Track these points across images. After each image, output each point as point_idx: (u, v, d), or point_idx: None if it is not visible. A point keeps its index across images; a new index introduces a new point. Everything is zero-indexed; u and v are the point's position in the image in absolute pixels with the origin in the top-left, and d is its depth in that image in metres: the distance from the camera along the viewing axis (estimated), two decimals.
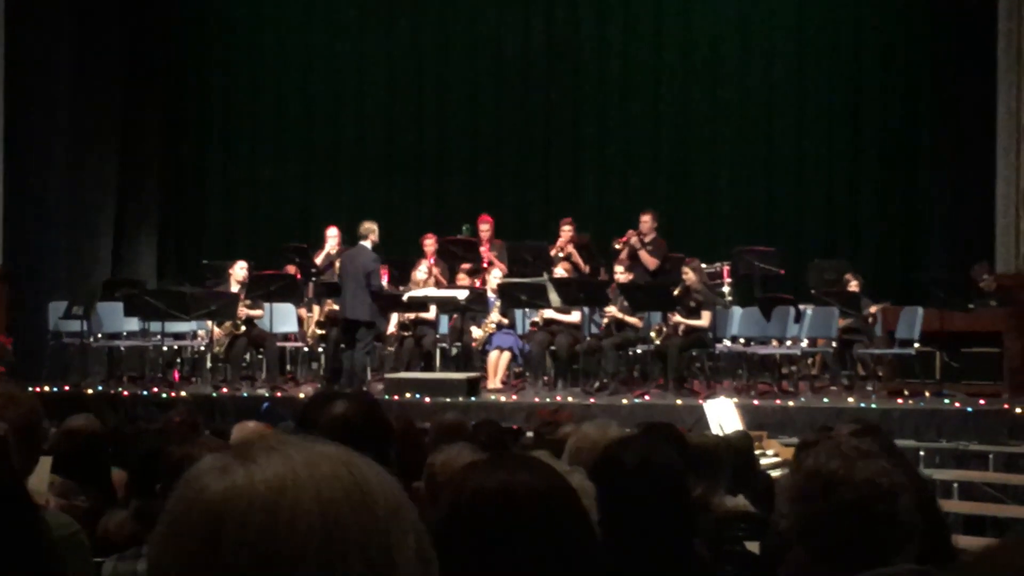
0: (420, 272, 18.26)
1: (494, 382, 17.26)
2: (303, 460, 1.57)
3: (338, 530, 1.54)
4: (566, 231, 18.72)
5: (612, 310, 17.34)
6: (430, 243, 18.88)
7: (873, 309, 17.54)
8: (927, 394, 16.06)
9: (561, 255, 18.47)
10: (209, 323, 17.86)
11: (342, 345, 17.54)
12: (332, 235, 19.15)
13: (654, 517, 3.82)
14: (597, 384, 16.92)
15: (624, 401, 16.00)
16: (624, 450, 4.04)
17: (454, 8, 23.43)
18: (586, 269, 18.64)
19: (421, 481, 5.35)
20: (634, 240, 18.29)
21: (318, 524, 1.53)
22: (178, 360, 18.92)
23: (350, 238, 18.88)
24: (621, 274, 17.85)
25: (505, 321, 17.82)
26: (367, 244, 17.17)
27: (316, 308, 18.62)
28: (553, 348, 17.53)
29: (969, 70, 19.46)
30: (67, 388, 17.16)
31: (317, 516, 1.53)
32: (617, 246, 18.35)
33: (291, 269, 19.09)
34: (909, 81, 21.70)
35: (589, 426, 5.53)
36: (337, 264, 18.24)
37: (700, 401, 14.46)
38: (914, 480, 4.14)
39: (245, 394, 16.92)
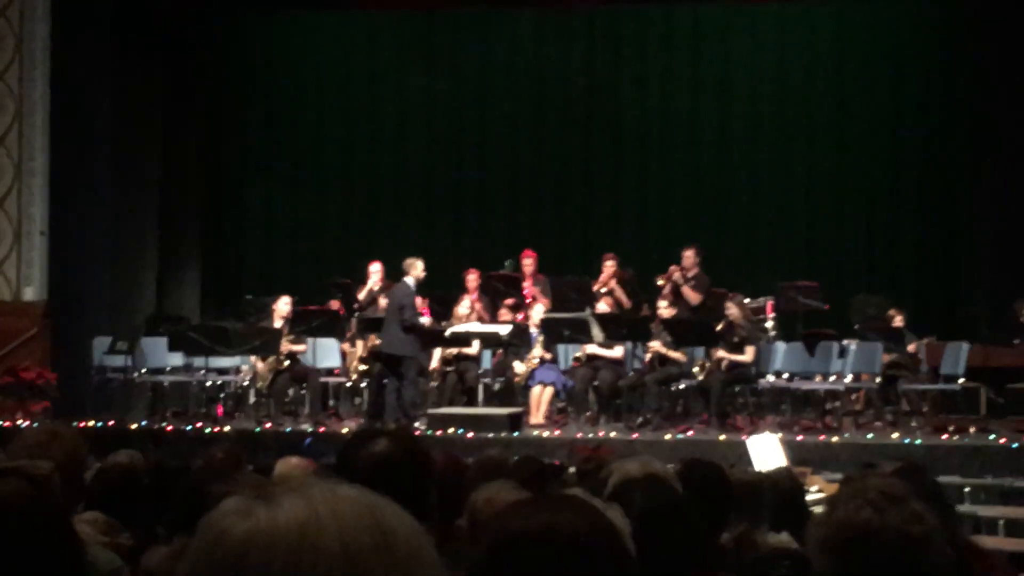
0: (463, 307, 18.26)
1: (537, 417, 17.23)
2: (325, 502, 1.58)
3: (360, 571, 1.54)
4: (609, 266, 18.69)
5: (656, 345, 17.29)
6: (473, 278, 18.87)
7: (912, 347, 17.44)
8: (972, 430, 15.96)
9: (604, 290, 18.45)
10: (252, 358, 17.91)
11: (384, 380, 17.56)
12: (375, 270, 19.16)
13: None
14: (640, 420, 16.88)
15: (667, 437, 15.95)
16: (656, 490, 4.03)
17: (495, 44, 23.49)
18: (628, 304, 18.60)
19: (463, 518, 5.34)
20: (677, 275, 18.23)
21: (340, 565, 1.54)
22: (221, 395, 18.96)
23: (392, 273, 18.92)
24: (664, 309, 17.80)
25: (548, 356, 17.80)
26: (410, 280, 17.21)
27: (359, 343, 18.63)
28: (596, 383, 17.51)
29: (1012, 104, 19.40)
30: (111, 423, 17.19)
31: (339, 557, 1.54)
32: (660, 282, 18.30)
33: (334, 304, 19.13)
34: (951, 116, 21.66)
35: (631, 464, 5.51)
36: (381, 300, 18.31)
37: (743, 437, 14.38)
38: (948, 523, 4.10)
39: (288, 429, 16.93)
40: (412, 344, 17.15)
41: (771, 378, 17.38)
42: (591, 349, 17.55)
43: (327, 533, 1.54)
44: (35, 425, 14.60)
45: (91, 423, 16.93)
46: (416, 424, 16.49)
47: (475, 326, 17.96)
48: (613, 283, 18.59)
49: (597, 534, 2.31)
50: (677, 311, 17.88)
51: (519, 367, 17.75)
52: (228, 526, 1.57)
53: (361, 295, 19.11)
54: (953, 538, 3.87)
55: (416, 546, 1.61)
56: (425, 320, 17.79)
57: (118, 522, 5.99)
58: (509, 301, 18.91)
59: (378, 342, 17.85)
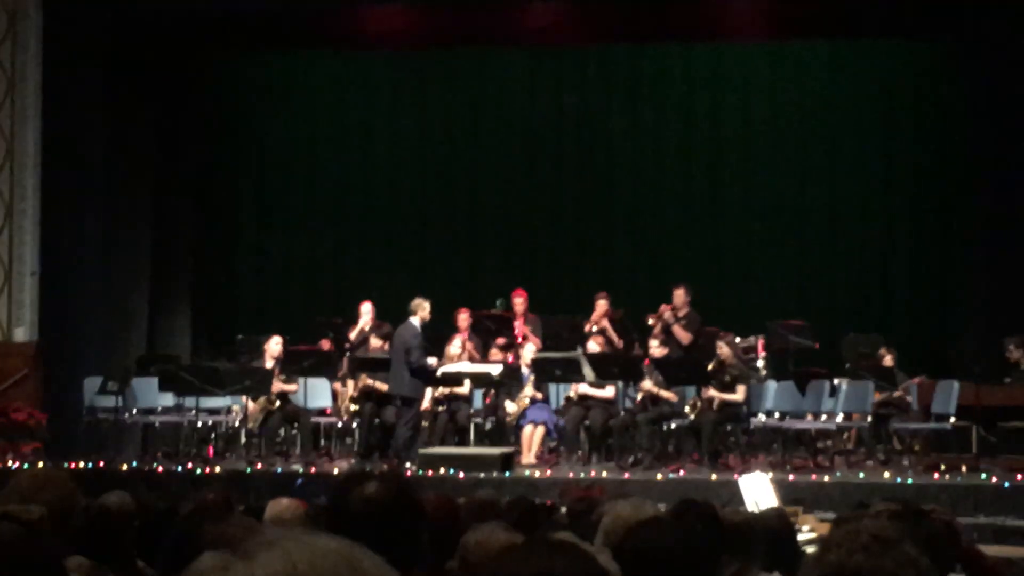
0: (454, 347, 18.26)
1: (528, 457, 17.22)
2: (303, 556, 1.57)
3: None
4: (600, 305, 18.69)
5: (647, 384, 17.28)
6: (464, 318, 18.87)
7: (900, 391, 17.44)
8: (964, 469, 15.96)
9: (595, 329, 18.44)
10: (244, 398, 17.88)
11: (376, 420, 17.58)
12: (366, 310, 19.18)
13: None
14: (631, 459, 16.86)
15: (659, 477, 15.93)
16: (648, 533, 4.02)
17: (486, 83, 23.54)
18: (620, 344, 18.60)
19: (455, 560, 5.33)
20: (668, 315, 18.25)
21: None
22: (212, 435, 18.92)
23: (383, 313, 18.95)
24: (656, 348, 17.79)
25: (539, 396, 17.79)
26: (415, 320, 17.23)
27: (351, 383, 18.61)
28: (587, 423, 17.50)
29: (1003, 144, 19.46)
30: (102, 464, 17.16)
31: None
32: (651, 321, 18.30)
33: (325, 344, 19.13)
34: (942, 154, 21.70)
35: (624, 505, 5.50)
36: (372, 339, 18.34)
37: (735, 476, 14.37)
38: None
39: (279, 469, 16.89)
40: (420, 386, 17.19)
41: (762, 417, 17.39)
42: (582, 388, 17.55)
43: None
44: (26, 467, 14.58)
45: (82, 464, 16.90)
46: (407, 464, 16.48)
47: (466, 366, 17.95)
48: (605, 322, 18.59)
49: None
50: (668, 350, 17.89)
51: (510, 406, 17.75)
52: None
53: (352, 335, 19.13)
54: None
55: None
56: (432, 361, 17.79)
57: (105, 566, 5.97)
58: (500, 340, 18.91)
59: (369, 382, 17.84)
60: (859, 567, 3.07)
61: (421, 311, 17.29)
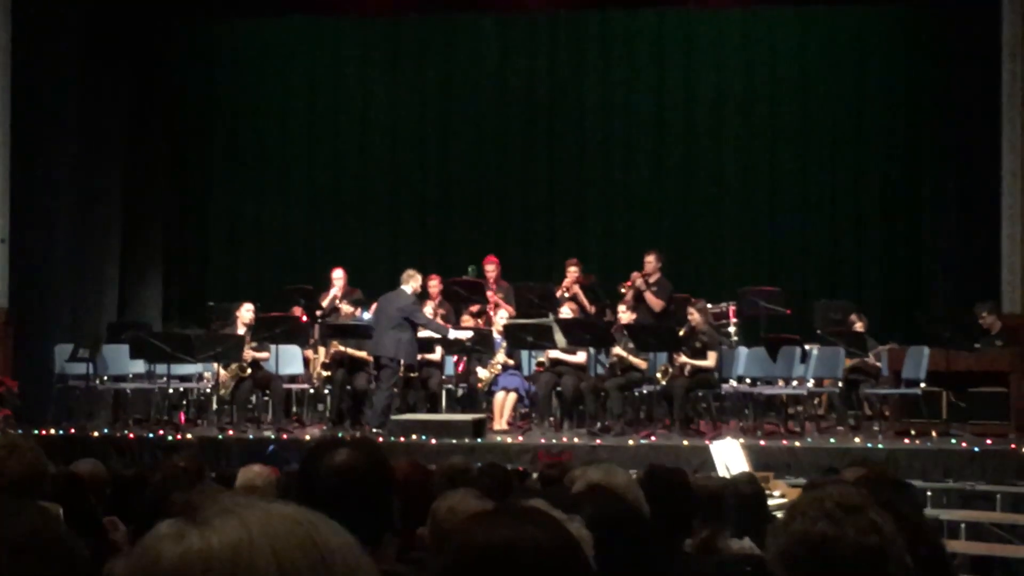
0: (425, 313, 18.24)
1: (500, 423, 17.24)
2: (259, 522, 1.56)
3: None
4: (571, 271, 18.71)
5: (618, 350, 17.29)
6: (435, 284, 18.86)
7: (871, 357, 17.49)
8: (934, 434, 16.03)
9: (567, 295, 18.47)
10: (215, 365, 17.85)
11: (348, 386, 17.58)
12: (338, 277, 19.15)
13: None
14: (602, 425, 16.89)
15: (630, 442, 15.95)
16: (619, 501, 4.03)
17: (457, 49, 23.48)
18: (591, 310, 18.62)
19: (426, 527, 5.34)
20: (639, 282, 18.26)
21: None
22: (184, 402, 18.89)
23: (355, 280, 18.93)
24: (623, 313, 17.80)
25: (511, 362, 17.81)
26: (407, 288, 17.23)
27: (322, 349, 18.57)
28: (559, 389, 17.51)
29: (974, 111, 19.49)
30: (72, 431, 17.11)
31: None
32: (623, 290, 18.32)
33: (297, 311, 19.10)
34: (913, 121, 21.73)
35: (595, 470, 5.51)
36: (343, 306, 18.33)
37: (706, 442, 14.41)
38: (917, 525, 4.11)
39: (251, 436, 16.87)
40: (405, 349, 17.17)
41: (734, 383, 17.41)
42: (554, 354, 17.55)
43: (261, 554, 1.53)
44: None
45: (53, 431, 16.85)
46: (380, 430, 16.49)
47: (452, 332, 17.95)
48: (576, 288, 18.61)
49: (559, 548, 2.31)
50: (638, 316, 17.91)
51: (482, 373, 17.76)
52: (161, 550, 1.56)
53: (324, 301, 19.10)
54: (922, 542, 3.87)
55: (353, 564, 1.60)
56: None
57: (76, 531, 5.96)
58: (475, 308, 18.92)
59: (341, 348, 17.82)
60: (823, 534, 3.08)
61: (413, 281, 17.31)
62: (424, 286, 18.55)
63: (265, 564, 1.53)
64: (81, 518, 6.11)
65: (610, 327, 17.62)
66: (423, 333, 17.65)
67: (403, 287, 17.30)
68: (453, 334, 17.73)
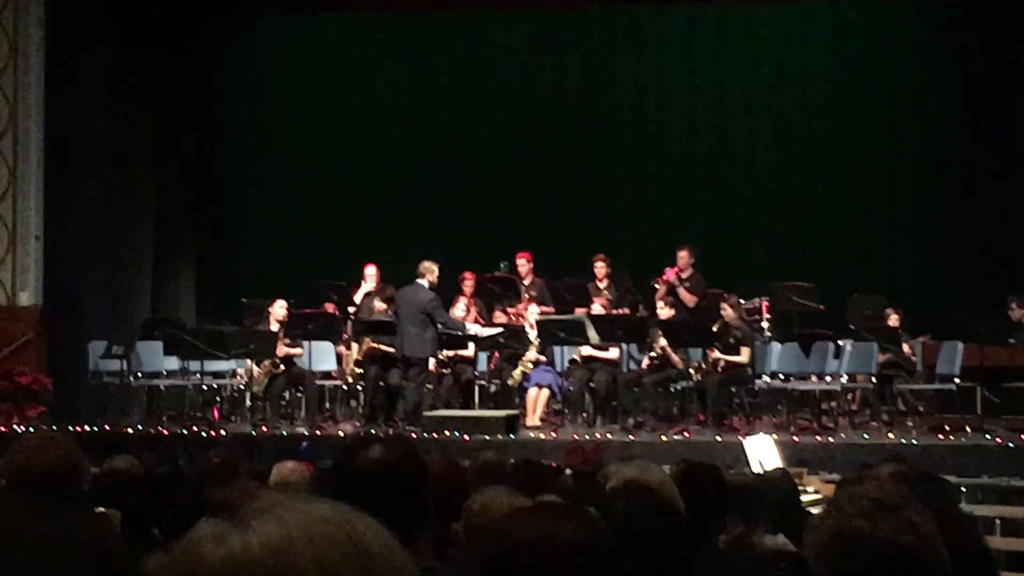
0: (458, 310, 18.22)
1: (533, 419, 17.21)
2: (299, 522, 1.57)
3: None
4: (599, 267, 18.66)
5: (663, 342, 17.19)
6: (469, 283, 18.86)
7: (907, 348, 17.43)
8: (968, 430, 15.96)
9: (602, 286, 18.46)
10: (248, 362, 17.88)
11: (381, 383, 17.57)
12: (370, 273, 19.16)
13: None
14: (635, 421, 16.87)
15: (663, 439, 15.93)
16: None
17: (489, 45, 23.48)
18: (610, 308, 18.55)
19: (460, 523, 5.34)
20: (672, 278, 18.22)
21: None
22: (217, 399, 18.92)
23: (388, 276, 18.91)
24: (662, 310, 17.77)
25: (543, 358, 17.78)
26: (424, 283, 17.17)
27: (355, 346, 18.58)
28: (592, 385, 17.49)
29: (1008, 105, 19.40)
30: (107, 428, 17.16)
31: None
32: (656, 285, 18.29)
33: (329, 307, 19.12)
34: (946, 115, 21.64)
35: (629, 467, 5.51)
36: (376, 302, 18.29)
37: (740, 438, 14.37)
38: (960, 523, 4.08)
39: (284, 433, 16.91)
40: (430, 346, 17.17)
41: (767, 379, 17.39)
42: (586, 351, 17.54)
43: (302, 555, 1.54)
44: (31, 431, 14.58)
45: (87, 427, 16.90)
46: (412, 427, 16.50)
47: (475, 328, 17.95)
48: (606, 282, 18.59)
49: (596, 543, 2.31)
50: (675, 313, 17.87)
51: (515, 370, 17.74)
52: (202, 552, 1.56)
53: (357, 297, 19.11)
54: (965, 540, 3.84)
55: (392, 562, 1.59)
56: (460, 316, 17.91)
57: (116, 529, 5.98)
58: (512, 309, 18.86)
59: (374, 345, 17.82)
60: (858, 531, 3.06)
61: (430, 274, 17.24)
62: (458, 283, 18.56)
63: (306, 564, 1.53)
64: (121, 512, 6.14)
65: (644, 322, 17.58)
66: (472, 329, 17.68)
67: (419, 281, 17.24)
68: (473, 329, 17.73)
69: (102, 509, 4.38)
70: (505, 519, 2.42)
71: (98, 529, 2.43)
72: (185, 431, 16.96)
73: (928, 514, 3.15)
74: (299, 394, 18.28)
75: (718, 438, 15.75)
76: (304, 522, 1.57)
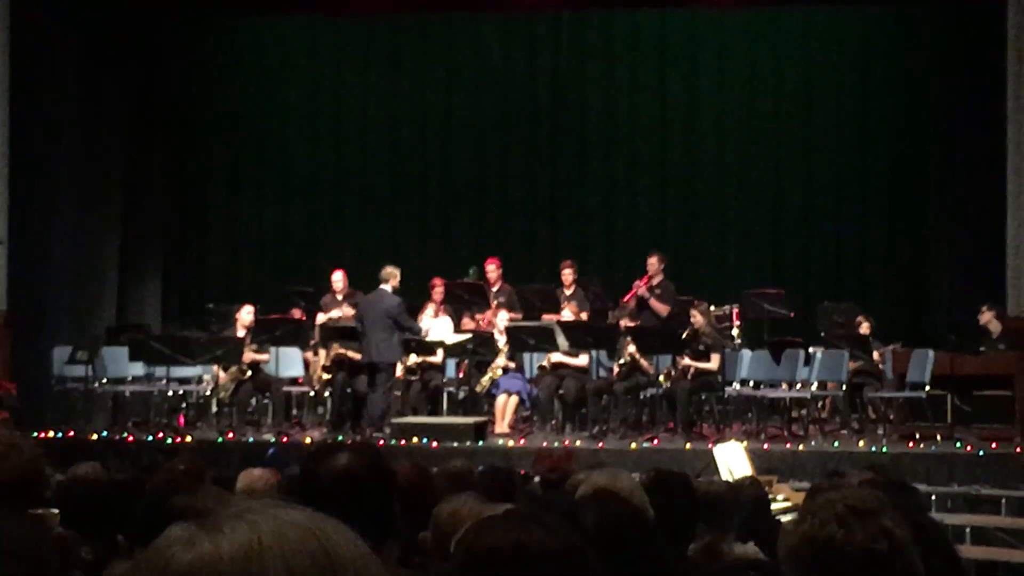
0: (427, 316, 18.20)
1: (502, 426, 17.18)
2: (269, 528, 1.55)
3: None
4: (567, 274, 18.62)
5: (632, 349, 17.18)
6: (438, 290, 18.81)
7: (876, 355, 17.44)
8: (938, 438, 15.98)
9: (568, 293, 18.43)
10: (214, 368, 17.81)
11: (348, 389, 17.50)
12: (337, 279, 19.10)
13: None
14: (603, 429, 16.84)
15: (633, 446, 15.90)
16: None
17: (459, 50, 23.45)
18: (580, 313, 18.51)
19: (428, 531, 5.28)
20: (642, 290, 18.17)
21: None
22: (183, 405, 18.84)
23: (356, 281, 18.84)
24: (626, 320, 17.74)
25: (512, 365, 17.74)
26: (387, 288, 17.12)
27: (322, 352, 18.51)
28: (561, 392, 17.45)
29: (978, 113, 19.44)
30: (71, 434, 17.05)
31: None
32: (626, 299, 18.27)
33: (296, 313, 19.05)
34: (917, 124, 21.74)
35: (598, 475, 5.45)
36: (344, 308, 18.22)
37: (709, 446, 14.34)
38: (930, 531, 4.04)
39: (251, 439, 16.83)
40: (396, 352, 17.12)
41: (737, 386, 17.36)
42: (556, 357, 17.50)
43: (272, 560, 1.52)
44: None
45: (51, 433, 16.78)
46: (380, 434, 16.44)
47: (446, 335, 17.91)
48: (574, 288, 18.55)
49: (566, 551, 2.27)
50: (642, 320, 17.83)
51: (483, 377, 17.70)
52: (172, 556, 1.54)
53: (324, 303, 19.06)
54: (937, 548, 3.81)
55: (364, 570, 1.58)
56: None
57: (78, 535, 5.91)
58: (481, 316, 18.84)
59: (341, 351, 17.74)
60: (832, 537, 3.04)
61: (393, 279, 17.18)
62: (427, 289, 18.53)
63: (275, 570, 1.52)
64: (83, 522, 6.06)
65: (612, 329, 17.55)
66: (434, 336, 17.66)
67: (383, 287, 17.19)
68: (436, 335, 17.71)
69: (40, 511, 4.31)
70: (474, 527, 2.37)
71: (31, 532, 2.38)
72: (151, 437, 16.88)
73: (902, 521, 3.12)
74: (266, 400, 18.22)
75: (688, 446, 15.74)
76: (275, 527, 1.56)
